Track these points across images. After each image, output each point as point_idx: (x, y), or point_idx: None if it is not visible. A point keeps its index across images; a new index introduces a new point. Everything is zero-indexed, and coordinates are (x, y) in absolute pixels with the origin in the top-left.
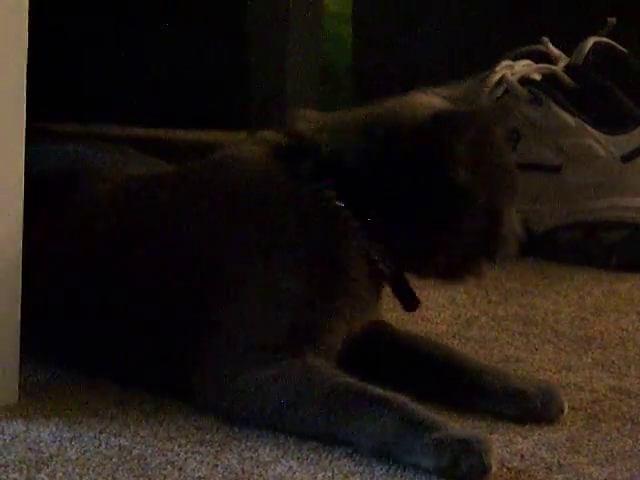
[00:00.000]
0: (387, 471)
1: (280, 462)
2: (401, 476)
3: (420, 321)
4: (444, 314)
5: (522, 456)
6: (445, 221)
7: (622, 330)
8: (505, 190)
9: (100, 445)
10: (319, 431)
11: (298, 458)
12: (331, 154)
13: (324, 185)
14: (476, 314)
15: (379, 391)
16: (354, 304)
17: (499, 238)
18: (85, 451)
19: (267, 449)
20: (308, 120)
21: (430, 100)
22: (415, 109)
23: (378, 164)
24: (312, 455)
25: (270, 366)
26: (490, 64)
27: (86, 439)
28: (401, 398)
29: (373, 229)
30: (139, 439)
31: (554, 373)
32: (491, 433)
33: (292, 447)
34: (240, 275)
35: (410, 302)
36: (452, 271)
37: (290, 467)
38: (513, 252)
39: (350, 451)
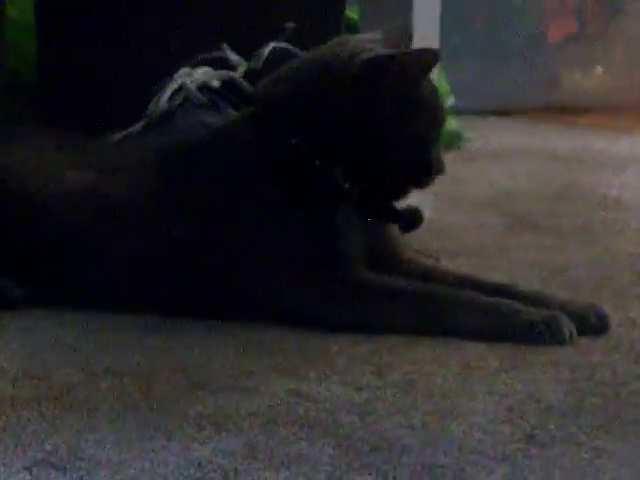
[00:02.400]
0: None
1: None
2: None
3: None
4: None
5: (199, 464)
6: (379, 152)
7: (300, 332)
8: (431, 123)
9: None
10: (426, 329)
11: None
12: (281, 108)
13: (284, 134)
14: None
15: (452, 289)
16: (349, 221)
17: (427, 166)
18: None
19: None
20: (263, 85)
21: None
22: (343, 53)
23: (323, 105)
24: None
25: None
26: (170, 72)
27: None
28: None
29: (332, 161)
30: None
31: (231, 377)
32: (168, 440)
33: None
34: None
35: (394, 220)
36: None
37: None
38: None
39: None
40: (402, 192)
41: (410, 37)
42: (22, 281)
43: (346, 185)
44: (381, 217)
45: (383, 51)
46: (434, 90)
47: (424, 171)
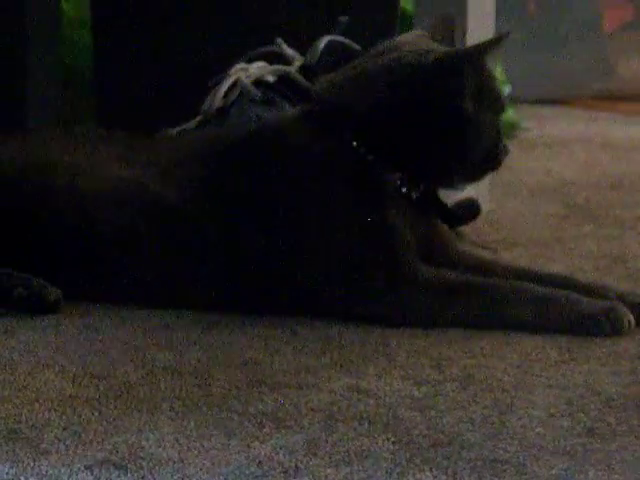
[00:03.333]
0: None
1: None
2: None
3: None
4: None
5: (260, 462)
6: (459, 144)
7: (359, 328)
8: (499, 110)
9: None
10: (485, 322)
11: None
12: (343, 110)
13: (344, 136)
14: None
15: (509, 282)
16: (404, 219)
17: (500, 149)
18: None
19: None
20: (324, 84)
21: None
22: (415, 55)
23: (391, 108)
24: None
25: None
26: (225, 67)
27: None
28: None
29: (393, 163)
30: None
31: (291, 374)
32: (228, 438)
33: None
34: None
35: (446, 217)
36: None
37: None
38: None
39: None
40: (470, 181)
41: (453, 26)
42: (60, 282)
43: (403, 190)
44: (435, 213)
45: (450, 49)
46: (492, 73)
47: (498, 158)
